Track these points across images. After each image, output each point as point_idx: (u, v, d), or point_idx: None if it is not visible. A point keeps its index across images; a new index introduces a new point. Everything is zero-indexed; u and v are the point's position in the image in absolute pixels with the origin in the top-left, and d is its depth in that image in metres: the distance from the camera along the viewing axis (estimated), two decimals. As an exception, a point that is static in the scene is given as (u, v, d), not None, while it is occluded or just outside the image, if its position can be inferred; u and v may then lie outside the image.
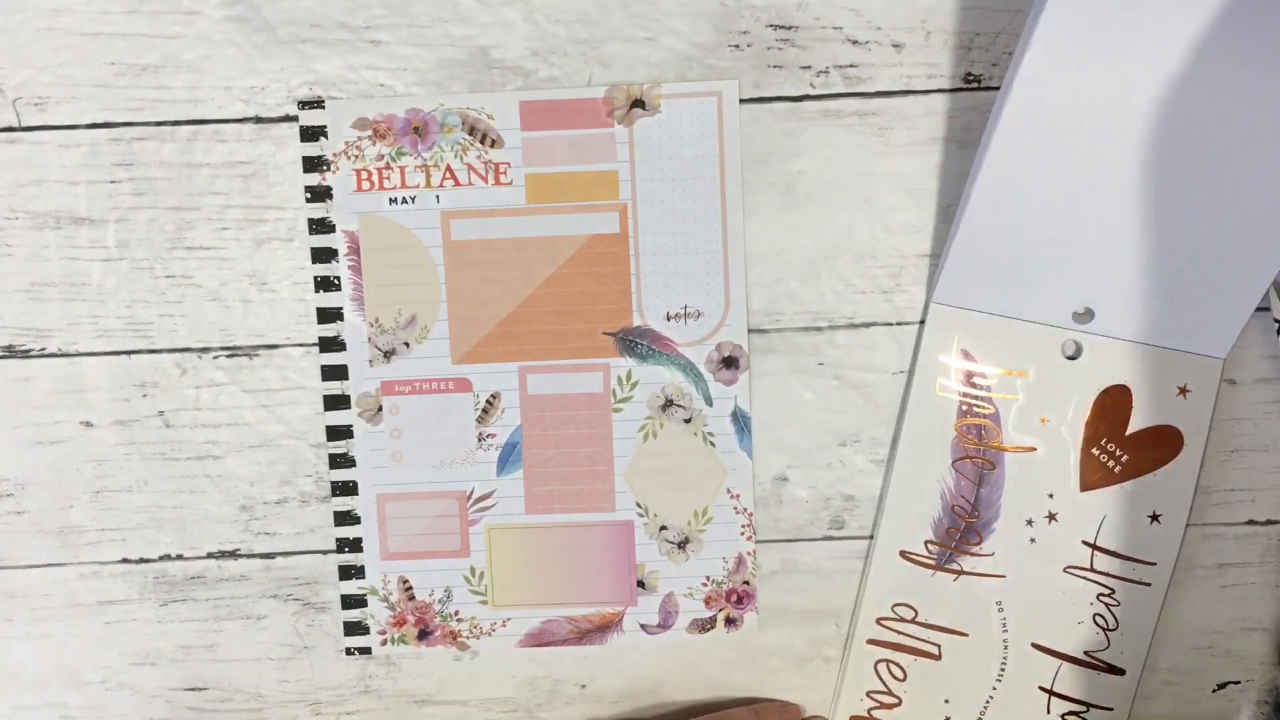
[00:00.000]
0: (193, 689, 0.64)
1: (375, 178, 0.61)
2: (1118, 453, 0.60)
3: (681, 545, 0.63)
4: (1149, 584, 0.61)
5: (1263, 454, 0.62)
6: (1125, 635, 0.61)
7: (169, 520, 0.63)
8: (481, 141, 0.60)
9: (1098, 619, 0.61)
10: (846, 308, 0.61)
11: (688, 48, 0.60)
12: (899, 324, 0.61)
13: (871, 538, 0.62)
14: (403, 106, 0.60)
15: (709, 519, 0.63)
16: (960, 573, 0.61)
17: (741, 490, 0.62)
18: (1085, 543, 0.61)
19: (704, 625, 0.64)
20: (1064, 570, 0.61)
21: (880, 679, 0.63)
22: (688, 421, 0.62)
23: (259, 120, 0.60)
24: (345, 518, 0.63)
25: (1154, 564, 0.61)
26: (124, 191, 0.61)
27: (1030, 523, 0.61)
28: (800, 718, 0.63)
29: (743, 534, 0.63)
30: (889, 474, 0.62)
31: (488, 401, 0.62)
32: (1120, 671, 0.62)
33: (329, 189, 0.61)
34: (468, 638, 0.64)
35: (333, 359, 0.62)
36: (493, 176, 0.61)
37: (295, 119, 0.60)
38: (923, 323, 0.61)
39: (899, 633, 0.62)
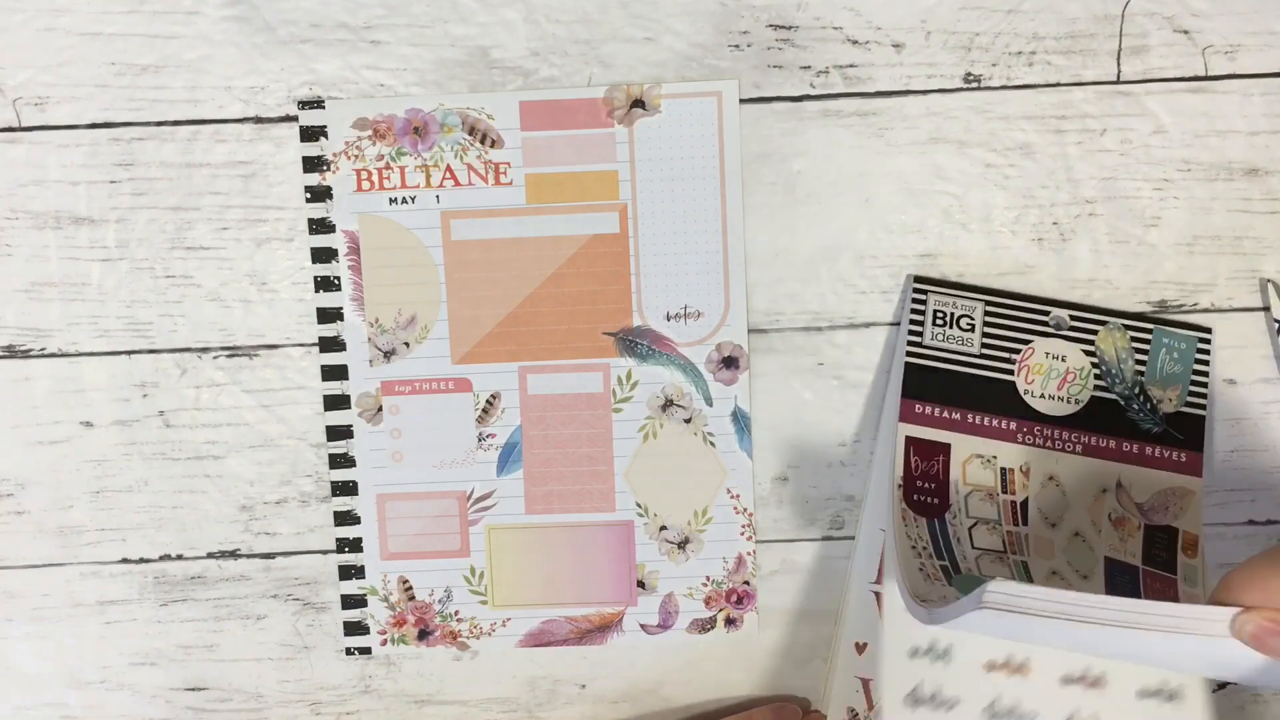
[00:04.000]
0: (193, 689, 0.64)
1: (375, 178, 0.61)
2: None
3: (681, 545, 0.63)
4: None
5: (1263, 454, 0.62)
6: None
7: (169, 520, 0.63)
8: (481, 141, 0.60)
9: None
10: (846, 308, 0.61)
11: (688, 48, 0.60)
12: (899, 324, 0.61)
13: (854, 538, 0.62)
14: (403, 106, 0.60)
15: (709, 519, 0.63)
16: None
17: (741, 490, 0.62)
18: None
19: (704, 625, 0.64)
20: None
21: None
22: (688, 421, 0.62)
23: (259, 120, 0.60)
24: (345, 518, 0.63)
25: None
26: (124, 191, 0.61)
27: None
28: (799, 717, 0.63)
29: (743, 534, 0.63)
30: (871, 474, 0.62)
31: (488, 401, 0.62)
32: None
33: (329, 189, 0.61)
34: (468, 638, 0.64)
35: (333, 359, 0.62)
36: (493, 176, 0.61)
37: (295, 119, 0.60)
38: (897, 324, 0.61)
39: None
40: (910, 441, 0.59)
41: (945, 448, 0.59)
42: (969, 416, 0.59)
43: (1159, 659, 0.47)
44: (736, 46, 0.60)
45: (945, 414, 0.59)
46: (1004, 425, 0.60)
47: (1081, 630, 0.44)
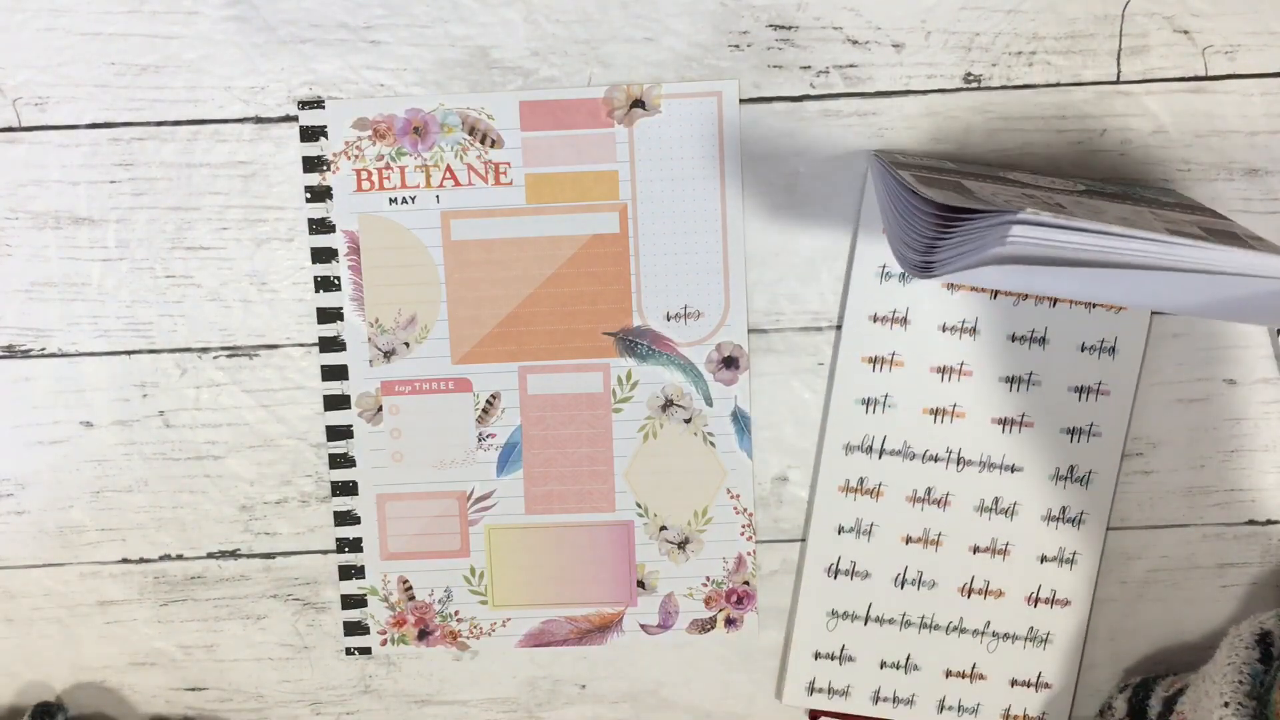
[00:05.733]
0: (193, 689, 0.64)
1: (375, 178, 0.61)
2: None
3: (681, 545, 0.63)
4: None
5: (1263, 454, 0.62)
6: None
7: (169, 520, 0.63)
8: (481, 141, 0.60)
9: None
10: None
11: (688, 48, 0.60)
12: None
13: (804, 539, 0.62)
14: (403, 106, 0.60)
15: (709, 519, 0.63)
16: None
17: (741, 490, 0.62)
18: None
19: (704, 625, 0.64)
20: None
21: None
22: (688, 421, 0.62)
23: (259, 120, 0.60)
24: (345, 518, 0.63)
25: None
26: (124, 191, 0.61)
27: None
28: None
29: (743, 534, 0.63)
30: (815, 479, 0.62)
31: (488, 401, 0.62)
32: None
33: (329, 189, 0.61)
34: (468, 638, 0.64)
35: (333, 359, 0.62)
36: (493, 176, 0.61)
37: (295, 119, 0.60)
38: (839, 327, 0.61)
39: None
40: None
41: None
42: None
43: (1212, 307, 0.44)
44: (736, 46, 0.60)
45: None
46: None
47: (1124, 276, 0.40)
